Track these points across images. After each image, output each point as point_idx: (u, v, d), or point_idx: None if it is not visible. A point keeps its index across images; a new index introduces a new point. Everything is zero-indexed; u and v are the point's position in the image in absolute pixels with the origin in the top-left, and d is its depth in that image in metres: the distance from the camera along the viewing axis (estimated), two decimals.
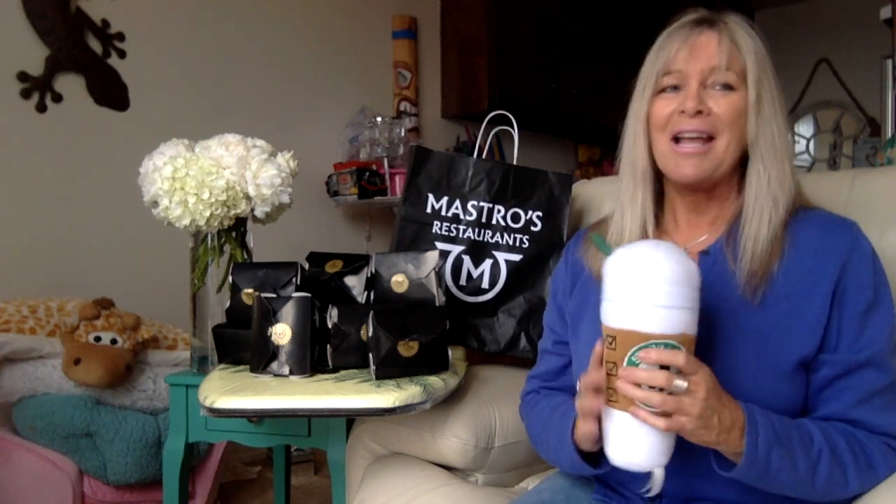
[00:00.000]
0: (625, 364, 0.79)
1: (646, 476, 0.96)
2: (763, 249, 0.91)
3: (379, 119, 3.00)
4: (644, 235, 1.00)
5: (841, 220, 0.94)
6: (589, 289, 1.05)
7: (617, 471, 0.99)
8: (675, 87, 0.94)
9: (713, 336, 0.89)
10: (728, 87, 0.92)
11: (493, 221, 1.44)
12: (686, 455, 0.92)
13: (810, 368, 0.90)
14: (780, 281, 0.90)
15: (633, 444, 0.81)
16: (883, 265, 0.93)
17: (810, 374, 0.90)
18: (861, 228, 0.93)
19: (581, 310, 1.06)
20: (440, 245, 1.42)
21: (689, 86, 0.92)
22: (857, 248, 0.90)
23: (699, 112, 0.91)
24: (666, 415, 0.78)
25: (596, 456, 0.94)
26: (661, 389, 0.77)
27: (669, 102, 0.94)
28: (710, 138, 0.92)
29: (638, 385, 0.78)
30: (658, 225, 1.02)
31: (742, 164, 0.96)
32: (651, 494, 0.84)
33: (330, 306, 1.20)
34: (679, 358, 0.77)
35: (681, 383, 0.77)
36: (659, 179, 1.01)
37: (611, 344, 0.81)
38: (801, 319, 0.89)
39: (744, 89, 0.92)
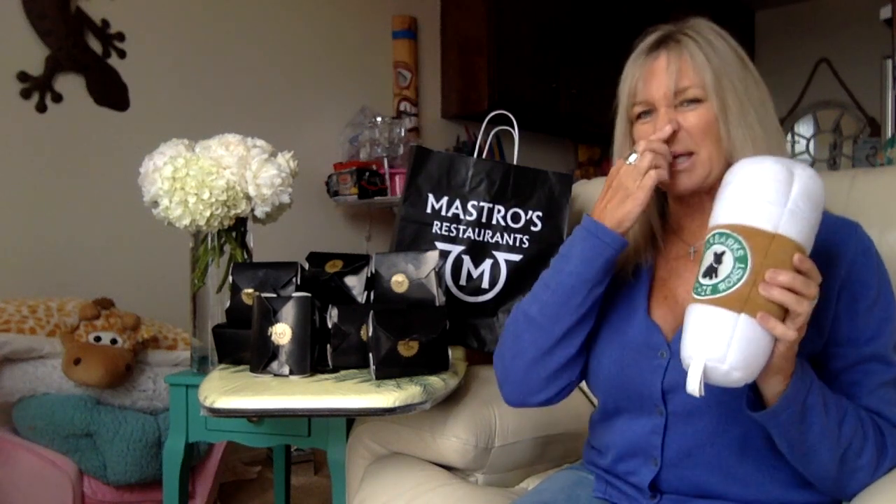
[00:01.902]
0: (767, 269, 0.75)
1: (648, 467, 0.96)
2: None
3: (379, 119, 3.00)
4: (652, 244, 1.03)
5: (844, 220, 0.96)
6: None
7: (620, 463, 0.99)
8: (648, 113, 0.97)
9: None
10: (695, 101, 0.94)
11: (493, 221, 1.44)
12: (686, 451, 0.93)
13: (818, 363, 0.91)
14: None
15: (744, 347, 0.76)
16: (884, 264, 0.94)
17: (819, 369, 0.91)
18: (863, 229, 0.95)
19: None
20: (440, 245, 1.42)
21: (659, 112, 0.95)
22: (860, 248, 0.92)
23: (673, 133, 0.93)
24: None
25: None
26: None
27: (647, 127, 0.97)
28: (691, 153, 0.94)
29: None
30: (664, 225, 1.05)
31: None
32: (692, 390, 0.78)
33: (330, 306, 1.20)
34: (819, 274, 0.78)
35: (817, 291, 0.77)
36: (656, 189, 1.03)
37: (746, 245, 0.77)
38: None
39: (711, 99, 0.93)
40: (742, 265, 0.76)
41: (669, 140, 0.93)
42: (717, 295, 0.77)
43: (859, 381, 0.90)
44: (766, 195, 0.77)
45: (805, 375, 0.82)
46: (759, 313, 0.75)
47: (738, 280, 0.76)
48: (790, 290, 0.75)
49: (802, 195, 0.77)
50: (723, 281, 0.77)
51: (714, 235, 0.80)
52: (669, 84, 0.94)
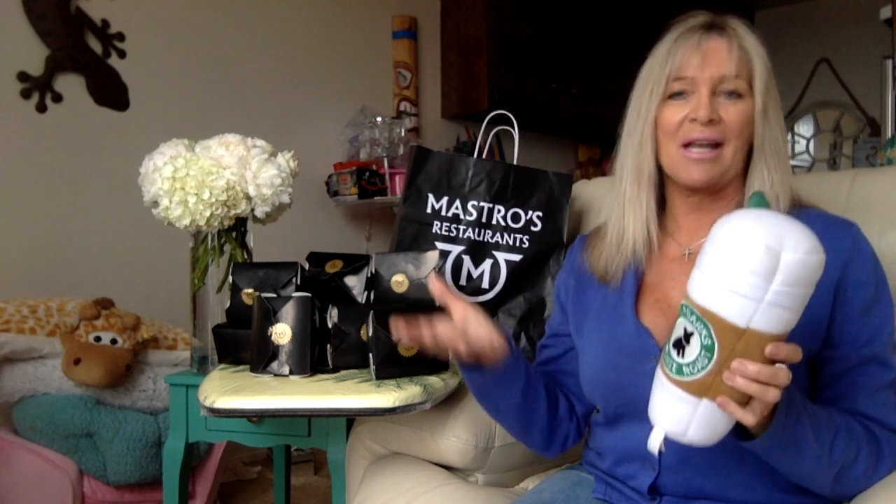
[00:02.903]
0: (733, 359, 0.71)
1: (647, 472, 0.96)
2: None
3: (379, 119, 3.00)
4: (647, 237, 1.01)
5: (841, 220, 0.95)
6: (595, 291, 1.06)
7: (620, 467, 0.99)
8: (683, 93, 0.94)
9: None
10: (737, 95, 0.93)
11: (493, 221, 1.44)
12: (686, 452, 0.93)
13: (815, 366, 0.91)
14: None
15: (704, 426, 0.75)
16: (882, 265, 0.94)
17: (817, 372, 0.91)
18: (860, 229, 0.94)
19: (586, 311, 1.07)
20: (440, 245, 1.42)
21: (700, 93, 0.92)
22: (857, 248, 0.91)
23: (710, 121, 0.91)
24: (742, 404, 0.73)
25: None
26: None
27: (680, 109, 0.94)
28: (718, 145, 0.93)
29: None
30: (659, 226, 1.03)
31: (745, 164, 0.97)
32: (652, 450, 0.79)
33: (330, 306, 1.20)
34: (799, 354, 0.72)
35: (788, 377, 0.72)
36: (660, 181, 1.02)
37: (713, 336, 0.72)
38: (804, 317, 0.89)
39: (750, 96, 0.93)
40: (708, 354, 0.72)
41: (706, 125, 0.91)
42: (681, 378, 0.74)
43: (857, 384, 0.89)
44: (742, 285, 0.69)
45: (790, 408, 0.79)
46: (718, 398, 0.72)
47: (702, 369, 0.73)
48: (756, 381, 0.71)
49: (787, 283, 0.69)
50: (688, 365, 0.74)
51: (686, 308, 0.74)
52: (729, 67, 0.91)
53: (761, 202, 0.75)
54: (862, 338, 0.89)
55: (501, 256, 1.43)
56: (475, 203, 1.44)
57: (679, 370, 0.74)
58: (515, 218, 1.44)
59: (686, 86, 0.94)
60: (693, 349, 0.73)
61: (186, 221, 1.33)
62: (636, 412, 0.96)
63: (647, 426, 0.95)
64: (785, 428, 0.79)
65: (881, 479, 0.87)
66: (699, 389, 0.73)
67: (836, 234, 0.92)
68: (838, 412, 0.87)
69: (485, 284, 1.43)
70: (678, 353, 0.75)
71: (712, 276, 0.71)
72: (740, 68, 0.92)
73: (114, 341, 1.83)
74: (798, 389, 0.85)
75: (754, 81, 0.92)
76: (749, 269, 0.69)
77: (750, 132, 0.93)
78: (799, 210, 0.96)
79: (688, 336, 0.74)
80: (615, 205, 1.04)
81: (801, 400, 0.83)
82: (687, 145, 0.94)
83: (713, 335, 0.71)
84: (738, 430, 0.82)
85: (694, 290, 0.74)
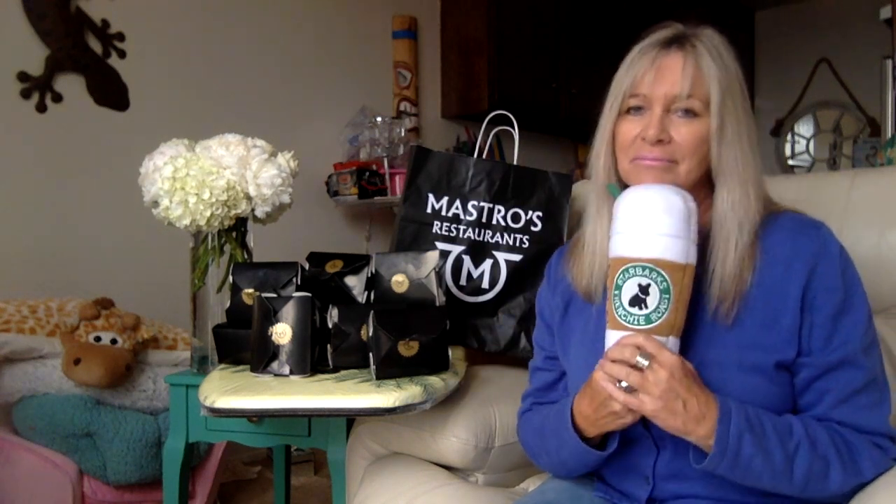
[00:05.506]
0: (613, 286, 0.87)
1: (642, 487, 0.97)
2: (731, 273, 0.90)
3: (379, 119, 3.00)
4: None
5: (809, 222, 0.93)
6: (579, 311, 1.05)
7: (619, 473, 0.99)
8: (640, 108, 0.93)
9: (695, 352, 0.90)
10: (692, 114, 0.91)
11: (494, 221, 1.44)
12: (678, 469, 0.93)
13: (791, 372, 0.91)
14: (754, 293, 0.90)
15: None
16: (882, 265, 0.93)
17: (793, 378, 0.91)
18: (830, 229, 0.93)
19: (571, 332, 1.06)
20: (440, 245, 1.42)
21: (653, 111, 0.91)
22: (824, 252, 0.90)
23: (660, 140, 0.90)
24: (632, 392, 0.84)
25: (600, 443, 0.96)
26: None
27: (634, 126, 0.93)
28: (673, 162, 0.91)
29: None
30: None
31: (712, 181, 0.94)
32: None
33: (330, 306, 1.20)
34: (639, 339, 0.84)
35: (642, 360, 0.83)
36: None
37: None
38: (777, 327, 0.89)
39: (707, 115, 0.90)
40: (667, 296, 0.86)
41: (655, 144, 0.90)
42: (650, 325, 0.88)
43: (830, 390, 0.89)
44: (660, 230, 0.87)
45: (728, 429, 0.82)
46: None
47: (666, 310, 0.87)
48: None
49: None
50: (654, 312, 0.87)
51: (635, 267, 0.88)
52: (682, 85, 0.90)
53: (613, 190, 0.94)
54: (833, 343, 0.88)
55: (501, 256, 1.43)
56: (475, 203, 1.44)
57: (648, 320, 0.86)
58: (515, 218, 1.44)
59: (641, 102, 0.93)
60: (653, 297, 0.85)
61: (186, 221, 1.33)
62: (626, 431, 0.94)
63: (637, 444, 0.96)
64: (723, 448, 0.83)
65: (866, 480, 0.87)
66: (667, 329, 0.86)
67: (804, 239, 0.91)
68: (805, 426, 0.87)
69: (485, 284, 1.43)
70: (640, 308, 0.86)
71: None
72: (694, 88, 0.90)
73: (114, 341, 1.83)
74: (758, 406, 0.87)
75: (710, 101, 0.90)
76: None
77: (705, 151, 0.91)
78: (768, 220, 0.93)
79: (644, 288, 0.86)
80: (588, 218, 1.03)
81: (747, 420, 0.84)
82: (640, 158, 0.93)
83: (667, 279, 0.85)
84: (695, 454, 0.87)
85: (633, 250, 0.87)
